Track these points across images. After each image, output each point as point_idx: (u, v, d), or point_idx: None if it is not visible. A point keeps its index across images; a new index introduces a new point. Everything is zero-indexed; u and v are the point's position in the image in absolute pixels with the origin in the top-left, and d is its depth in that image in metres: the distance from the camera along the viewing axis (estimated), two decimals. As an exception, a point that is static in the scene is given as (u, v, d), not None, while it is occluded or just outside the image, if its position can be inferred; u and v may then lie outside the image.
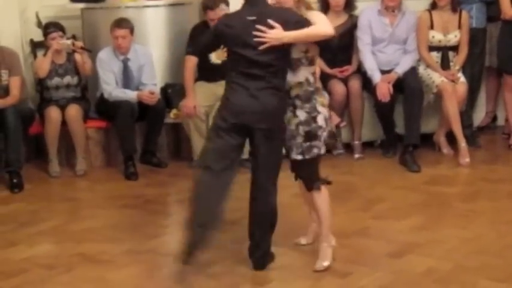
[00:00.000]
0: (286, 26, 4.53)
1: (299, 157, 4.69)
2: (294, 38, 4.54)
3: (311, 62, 4.68)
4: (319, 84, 4.77)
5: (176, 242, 4.78)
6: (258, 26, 4.52)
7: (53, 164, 7.07)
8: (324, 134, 4.67)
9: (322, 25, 4.59)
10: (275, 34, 4.51)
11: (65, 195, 6.68)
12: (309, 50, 4.64)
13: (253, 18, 4.57)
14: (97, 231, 5.69)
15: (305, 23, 4.56)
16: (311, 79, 4.67)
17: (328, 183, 4.83)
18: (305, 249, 5.07)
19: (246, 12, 4.63)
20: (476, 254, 4.98)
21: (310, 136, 4.64)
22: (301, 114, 4.65)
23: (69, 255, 5.23)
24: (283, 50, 4.56)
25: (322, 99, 4.72)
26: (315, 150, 4.67)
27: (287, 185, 4.98)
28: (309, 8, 4.74)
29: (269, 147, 4.64)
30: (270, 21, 4.52)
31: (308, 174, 4.78)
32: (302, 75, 4.65)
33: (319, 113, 4.65)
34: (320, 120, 4.65)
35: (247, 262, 4.86)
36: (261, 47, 4.51)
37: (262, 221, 4.76)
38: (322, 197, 4.77)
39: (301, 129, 4.64)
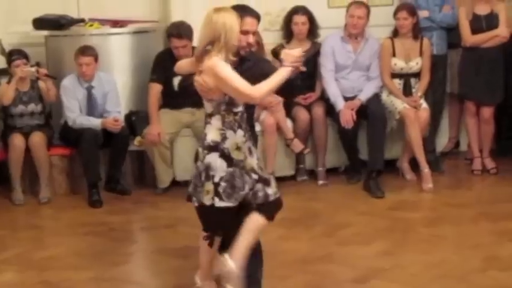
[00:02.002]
0: None
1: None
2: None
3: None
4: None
5: (140, 270, 4.75)
6: None
7: (16, 192, 7.01)
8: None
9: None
10: None
11: (29, 223, 6.62)
12: None
13: None
14: (61, 259, 5.66)
15: None
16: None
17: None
18: (270, 274, 4.89)
19: None
20: (440, 278, 5.02)
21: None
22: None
23: (33, 283, 5.20)
24: None
25: None
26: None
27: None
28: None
29: None
30: None
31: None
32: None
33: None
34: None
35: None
36: None
37: None
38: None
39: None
